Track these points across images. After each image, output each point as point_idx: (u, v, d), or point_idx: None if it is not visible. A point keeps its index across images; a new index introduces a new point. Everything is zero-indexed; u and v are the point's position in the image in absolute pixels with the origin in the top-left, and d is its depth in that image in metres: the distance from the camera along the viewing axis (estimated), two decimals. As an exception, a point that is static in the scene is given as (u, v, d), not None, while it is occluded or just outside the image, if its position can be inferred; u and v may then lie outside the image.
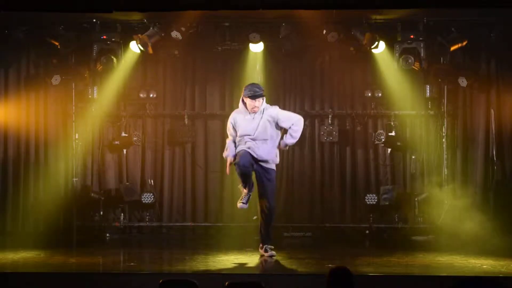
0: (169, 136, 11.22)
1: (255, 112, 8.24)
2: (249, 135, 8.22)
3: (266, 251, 8.34)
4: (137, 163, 11.21)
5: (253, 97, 8.19)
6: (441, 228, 10.22)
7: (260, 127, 8.20)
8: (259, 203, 8.38)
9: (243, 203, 8.32)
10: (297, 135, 8.34)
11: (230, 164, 8.41)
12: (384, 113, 11.07)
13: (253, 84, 8.41)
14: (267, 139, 8.21)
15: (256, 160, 8.21)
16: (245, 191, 8.29)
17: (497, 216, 10.25)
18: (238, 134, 8.31)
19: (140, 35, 10.41)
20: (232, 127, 8.37)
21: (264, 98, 8.29)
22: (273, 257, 8.25)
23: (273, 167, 8.37)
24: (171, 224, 11.18)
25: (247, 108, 8.28)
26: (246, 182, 8.24)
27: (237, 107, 8.55)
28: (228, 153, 8.39)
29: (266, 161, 8.25)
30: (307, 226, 10.94)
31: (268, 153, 8.24)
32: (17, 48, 10.83)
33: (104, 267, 8.22)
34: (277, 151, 8.40)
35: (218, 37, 10.89)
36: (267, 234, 8.42)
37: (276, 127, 8.31)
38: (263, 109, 8.27)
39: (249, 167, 8.15)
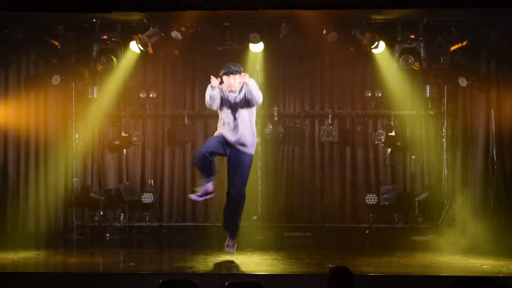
0: (169, 136, 11.23)
1: (233, 92, 7.96)
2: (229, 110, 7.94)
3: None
4: (137, 163, 11.22)
5: (228, 73, 7.97)
6: (441, 228, 10.22)
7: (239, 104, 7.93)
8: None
9: (198, 195, 8.08)
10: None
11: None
12: (384, 113, 11.07)
13: (229, 63, 8.12)
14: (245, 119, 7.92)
15: (230, 145, 7.96)
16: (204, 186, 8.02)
17: (497, 216, 10.25)
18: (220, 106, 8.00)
19: (140, 35, 10.41)
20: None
21: (239, 76, 7.96)
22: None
23: (250, 151, 8.06)
24: (171, 224, 11.18)
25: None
26: (205, 172, 7.98)
27: None
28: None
29: (243, 144, 7.98)
30: (307, 226, 10.93)
31: (247, 134, 7.94)
32: (17, 48, 10.83)
33: (104, 267, 8.22)
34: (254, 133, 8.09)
35: (218, 37, 10.89)
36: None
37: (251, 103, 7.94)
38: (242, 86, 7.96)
39: (212, 156, 7.91)
